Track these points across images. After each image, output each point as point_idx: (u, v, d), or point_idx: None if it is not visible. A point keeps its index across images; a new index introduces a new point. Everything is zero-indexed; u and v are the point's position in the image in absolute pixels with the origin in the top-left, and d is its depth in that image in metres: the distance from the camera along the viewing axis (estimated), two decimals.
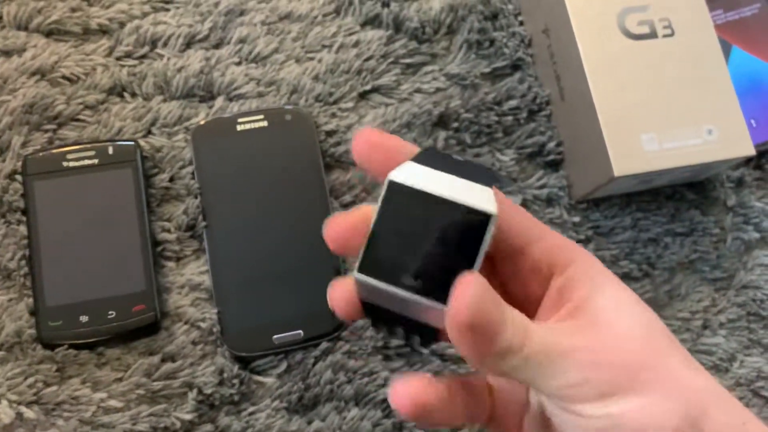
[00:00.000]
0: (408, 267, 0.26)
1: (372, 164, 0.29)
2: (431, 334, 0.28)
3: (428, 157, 0.28)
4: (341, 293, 0.29)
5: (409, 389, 0.29)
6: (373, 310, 0.28)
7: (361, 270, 0.26)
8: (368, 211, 0.28)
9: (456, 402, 0.30)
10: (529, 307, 0.31)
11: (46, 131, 0.51)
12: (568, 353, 0.26)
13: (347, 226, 0.28)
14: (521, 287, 0.31)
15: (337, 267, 0.50)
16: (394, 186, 0.26)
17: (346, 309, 0.29)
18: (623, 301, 0.29)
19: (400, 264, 0.26)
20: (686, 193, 0.55)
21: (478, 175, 0.27)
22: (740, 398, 0.52)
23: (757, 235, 0.55)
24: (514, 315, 0.26)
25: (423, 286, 0.26)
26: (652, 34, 0.50)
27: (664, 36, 0.50)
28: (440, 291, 0.26)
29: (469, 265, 0.25)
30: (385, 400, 0.48)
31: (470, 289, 0.24)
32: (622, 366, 0.27)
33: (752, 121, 0.56)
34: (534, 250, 0.30)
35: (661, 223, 0.54)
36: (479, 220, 0.25)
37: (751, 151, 0.49)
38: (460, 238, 0.26)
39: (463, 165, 0.28)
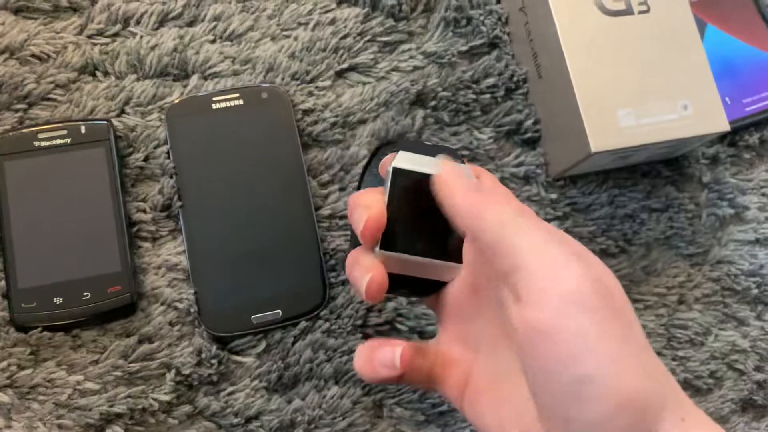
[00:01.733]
0: (419, 236, 0.34)
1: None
2: (434, 286, 0.36)
3: (410, 147, 0.36)
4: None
5: (393, 354, 0.34)
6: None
7: (382, 247, 0.34)
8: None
9: (421, 364, 0.34)
10: None
11: (17, 111, 0.50)
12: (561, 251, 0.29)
13: (381, 219, 0.33)
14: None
15: (315, 247, 0.49)
16: (398, 172, 0.34)
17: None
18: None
19: (412, 235, 0.34)
20: (662, 169, 0.55)
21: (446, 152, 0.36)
22: (715, 372, 0.52)
23: (731, 210, 0.56)
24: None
25: (432, 250, 0.33)
26: (629, 11, 0.50)
27: (640, 12, 0.50)
28: (444, 251, 0.33)
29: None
30: None
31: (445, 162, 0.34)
32: (600, 293, 0.28)
33: (726, 99, 0.56)
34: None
35: (637, 199, 0.54)
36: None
37: (725, 127, 0.49)
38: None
39: (436, 149, 0.38)
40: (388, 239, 0.33)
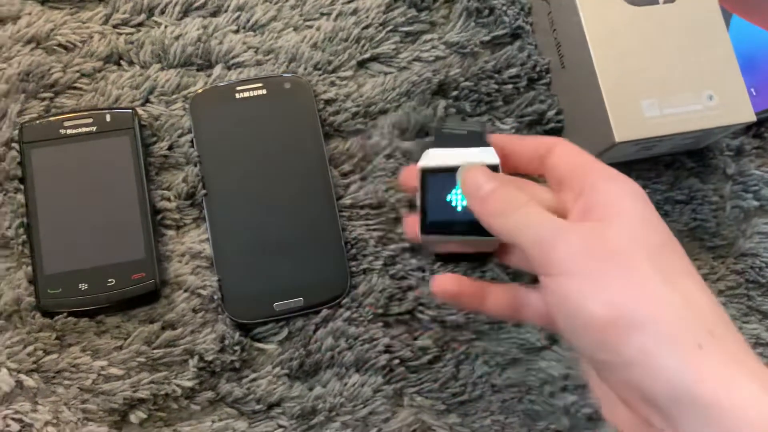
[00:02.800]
0: (455, 218, 0.38)
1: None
2: (484, 257, 0.45)
3: (443, 140, 0.39)
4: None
5: (443, 282, 0.39)
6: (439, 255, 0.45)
7: (422, 233, 0.39)
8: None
9: (480, 296, 0.39)
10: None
11: (43, 99, 0.50)
12: (557, 225, 0.33)
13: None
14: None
15: (337, 236, 0.50)
16: (425, 171, 0.38)
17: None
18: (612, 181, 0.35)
19: (450, 219, 0.38)
20: (686, 161, 0.55)
21: (478, 140, 0.39)
22: None
23: (756, 203, 0.55)
24: (507, 193, 0.36)
25: (466, 229, 0.38)
26: (654, 1, 0.50)
27: (665, 2, 0.50)
28: (479, 228, 0.37)
29: None
30: (385, 366, 0.48)
31: (469, 169, 0.38)
32: (594, 248, 0.32)
33: (752, 90, 0.56)
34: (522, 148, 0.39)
35: (660, 191, 0.54)
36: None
37: (751, 117, 0.49)
38: None
39: (468, 137, 0.39)
40: (427, 225, 0.39)
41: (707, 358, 0.27)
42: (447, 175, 0.38)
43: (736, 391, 0.27)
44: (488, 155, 0.38)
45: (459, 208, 0.38)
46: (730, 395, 0.26)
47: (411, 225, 0.41)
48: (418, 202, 0.39)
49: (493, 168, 0.37)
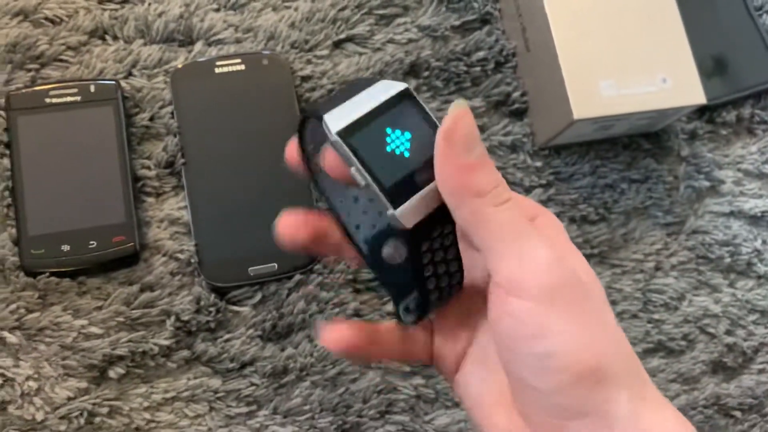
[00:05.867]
0: (411, 168, 0.28)
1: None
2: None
3: (331, 102, 0.29)
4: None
5: (334, 334, 0.32)
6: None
7: (394, 208, 0.28)
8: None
9: (388, 342, 0.33)
10: None
11: (29, 70, 0.52)
12: (539, 241, 0.28)
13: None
14: None
15: (310, 204, 0.52)
16: (344, 136, 0.28)
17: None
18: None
19: (409, 171, 0.28)
20: (642, 142, 0.58)
21: (366, 84, 0.30)
22: (687, 334, 0.55)
23: (707, 183, 0.58)
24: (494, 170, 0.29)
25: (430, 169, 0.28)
26: None
27: None
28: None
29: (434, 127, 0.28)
30: None
31: (456, 108, 0.28)
32: (571, 282, 0.29)
33: None
34: None
35: (618, 170, 0.57)
36: (407, 96, 0.29)
37: (702, 100, 0.52)
38: (413, 121, 0.29)
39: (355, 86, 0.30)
40: (390, 194, 0.28)
41: (647, 407, 0.29)
42: (370, 126, 0.28)
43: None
44: (393, 85, 0.29)
45: (407, 154, 0.28)
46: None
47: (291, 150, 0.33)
48: (359, 179, 0.28)
49: (406, 93, 0.29)
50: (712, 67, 0.59)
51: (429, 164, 0.28)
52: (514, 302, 0.28)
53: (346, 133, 0.28)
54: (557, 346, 0.28)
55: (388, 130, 0.28)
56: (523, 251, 0.28)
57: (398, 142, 0.28)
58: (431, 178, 0.28)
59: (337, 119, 0.28)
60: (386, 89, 0.29)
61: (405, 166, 0.28)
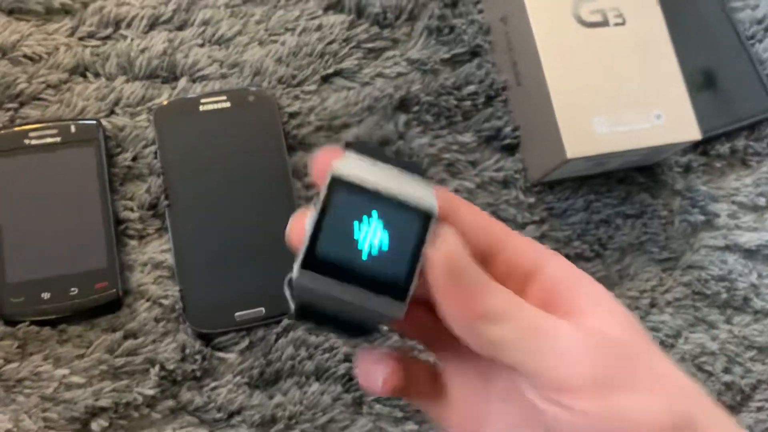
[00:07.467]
0: (354, 263, 0.25)
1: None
2: (372, 327, 0.29)
3: (371, 148, 0.27)
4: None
5: (376, 374, 0.31)
6: (308, 311, 0.28)
7: (301, 266, 0.25)
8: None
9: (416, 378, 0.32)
10: None
11: (8, 110, 0.51)
12: (562, 329, 0.26)
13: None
14: None
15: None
16: (336, 180, 0.25)
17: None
18: (605, 299, 0.29)
19: (348, 261, 0.25)
20: (637, 176, 0.57)
21: (411, 167, 0.27)
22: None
23: (702, 217, 0.57)
24: (501, 287, 0.26)
25: (374, 282, 0.25)
26: (605, 23, 0.52)
27: (616, 24, 0.52)
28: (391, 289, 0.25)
29: (414, 261, 0.25)
30: (345, 375, 0.49)
31: (449, 236, 0.25)
32: (615, 354, 0.26)
33: None
34: (505, 255, 0.29)
35: (612, 205, 0.56)
36: (423, 214, 0.26)
37: (697, 136, 0.51)
38: (404, 233, 0.26)
39: (403, 163, 0.27)
40: (314, 255, 0.25)
41: None
42: (364, 197, 0.25)
43: None
44: (425, 193, 0.26)
45: (364, 253, 0.25)
46: None
47: (296, 228, 0.27)
48: (311, 217, 0.25)
49: (429, 217, 0.25)
50: (705, 98, 0.59)
51: (374, 278, 0.25)
52: (569, 402, 0.26)
53: (340, 182, 0.25)
54: (632, 423, 0.26)
55: (371, 221, 0.25)
56: (553, 346, 0.26)
57: (367, 238, 0.25)
58: (366, 286, 0.25)
59: (351, 165, 0.26)
60: (417, 190, 0.26)
61: (349, 254, 0.25)
